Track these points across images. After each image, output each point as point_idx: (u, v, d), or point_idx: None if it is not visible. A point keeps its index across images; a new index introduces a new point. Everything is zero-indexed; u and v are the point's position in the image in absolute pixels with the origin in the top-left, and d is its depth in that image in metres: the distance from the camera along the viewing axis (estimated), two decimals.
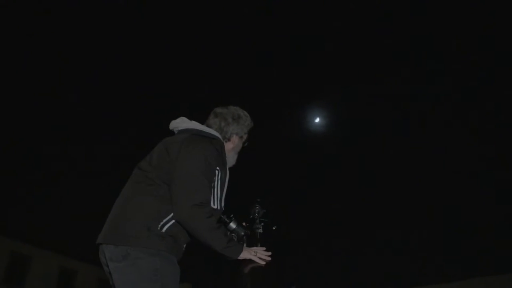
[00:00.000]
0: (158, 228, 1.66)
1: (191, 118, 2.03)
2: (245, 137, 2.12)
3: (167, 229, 1.69)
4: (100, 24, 15.88)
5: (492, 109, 15.96)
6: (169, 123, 2.05)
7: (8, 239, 13.49)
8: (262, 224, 2.03)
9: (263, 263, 1.78)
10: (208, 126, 2.02)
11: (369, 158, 18.90)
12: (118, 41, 16.37)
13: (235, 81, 17.61)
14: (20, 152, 17.39)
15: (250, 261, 1.83)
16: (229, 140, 2.04)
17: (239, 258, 1.79)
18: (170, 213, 1.70)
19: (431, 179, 18.12)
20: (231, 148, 2.06)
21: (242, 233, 1.96)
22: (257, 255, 1.82)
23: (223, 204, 1.89)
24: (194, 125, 1.99)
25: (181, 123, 2.01)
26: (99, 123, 18.19)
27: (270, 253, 1.85)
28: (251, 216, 2.10)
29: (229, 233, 1.97)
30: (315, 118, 18.01)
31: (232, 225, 1.96)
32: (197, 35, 16.72)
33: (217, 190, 1.82)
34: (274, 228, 2.01)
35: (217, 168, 1.83)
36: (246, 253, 1.80)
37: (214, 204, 1.79)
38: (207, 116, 2.10)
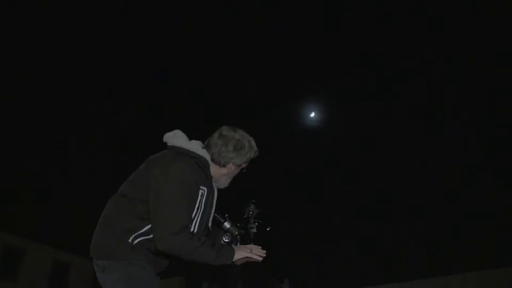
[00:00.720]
0: (129, 241, 1.78)
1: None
2: (244, 165, 2.06)
3: (139, 242, 1.79)
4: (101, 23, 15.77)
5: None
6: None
7: (2, 232, 13.45)
8: (256, 224, 2.04)
9: (260, 259, 1.80)
10: (209, 144, 1.98)
11: (366, 153, 18.97)
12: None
13: (229, 75, 17.56)
14: (13, 145, 17.28)
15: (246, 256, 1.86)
16: (224, 166, 1.98)
17: (234, 259, 1.80)
18: (144, 227, 1.79)
19: (429, 175, 18.24)
20: (225, 174, 2.01)
21: (236, 233, 1.98)
22: (253, 251, 1.83)
23: (210, 224, 1.96)
24: (182, 142, 1.94)
25: (171, 139, 1.98)
26: (94, 118, 18.12)
27: (265, 251, 1.86)
28: (245, 216, 2.11)
29: (223, 233, 1.98)
30: (310, 113, 18.04)
31: (227, 224, 1.98)
32: (192, 25, 16.63)
33: (199, 212, 1.83)
34: (268, 229, 2.02)
35: (202, 188, 1.84)
36: (242, 252, 1.82)
37: (193, 228, 1.81)
38: (216, 129, 2.03)
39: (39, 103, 16.61)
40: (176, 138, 1.96)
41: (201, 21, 16.54)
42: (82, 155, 18.54)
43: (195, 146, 1.94)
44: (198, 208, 1.82)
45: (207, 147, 1.97)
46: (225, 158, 1.95)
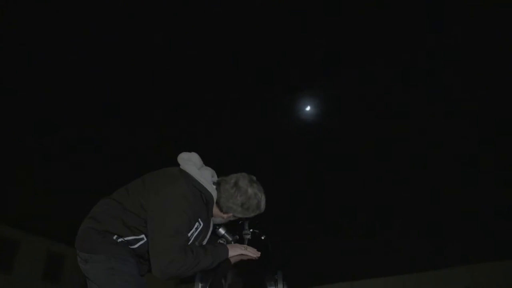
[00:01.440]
0: (114, 238, 1.83)
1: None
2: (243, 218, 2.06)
3: (122, 240, 1.84)
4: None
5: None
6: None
7: None
8: (251, 230, 2.04)
9: (254, 256, 1.81)
10: (220, 184, 1.94)
11: (361, 146, 19.02)
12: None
13: (223, 68, 17.47)
14: (7, 136, 17.17)
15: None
16: (225, 213, 1.97)
17: (229, 255, 1.83)
18: (130, 237, 1.84)
19: (426, 167, 18.32)
20: (223, 217, 2.01)
21: (231, 239, 1.98)
22: (248, 249, 1.87)
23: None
24: (195, 172, 1.91)
25: (185, 163, 1.95)
26: (95, 107, 18.01)
27: (259, 254, 1.88)
28: (240, 222, 2.11)
29: (217, 238, 1.99)
30: (306, 107, 18.01)
31: (221, 230, 1.98)
32: (190, 21, 16.50)
33: (190, 239, 1.85)
34: (263, 238, 2.03)
35: (199, 221, 1.85)
36: (237, 249, 1.85)
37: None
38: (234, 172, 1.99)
39: (38, 99, 16.50)
40: (190, 164, 1.93)
41: (196, 15, 16.41)
42: (78, 147, 18.46)
43: (206, 179, 1.91)
44: (189, 237, 1.85)
45: (217, 185, 1.94)
46: (229, 208, 1.92)
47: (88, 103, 17.18)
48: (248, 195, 1.90)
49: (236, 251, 1.84)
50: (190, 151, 1.98)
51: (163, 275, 1.71)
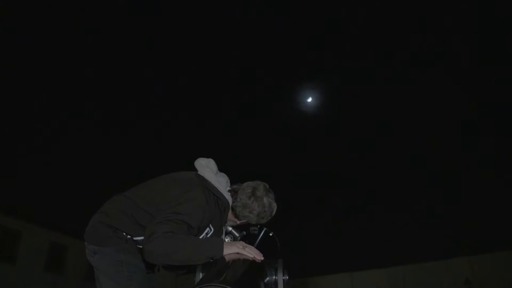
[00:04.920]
0: (124, 234, 1.86)
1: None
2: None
3: (132, 238, 1.86)
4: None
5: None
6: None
7: None
8: (258, 226, 2.04)
9: (251, 256, 1.63)
10: (237, 192, 1.97)
11: (362, 137, 19.01)
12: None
13: (227, 60, 17.39)
14: (9, 127, 17.15)
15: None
16: (239, 219, 2.02)
17: (224, 253, 1.64)
18: (138, 236, 1.84)
19: (426, 159, 18.32)
20: (236, 222, 2.05)
21: (238, 235, 1.98)
22: (246, 249, 1.66)
23: None
24: (212, 177, 1.92)
25: (203, 169, 1.95)
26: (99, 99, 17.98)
27: (261, 255, 1.67)
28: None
29: (224, 234, 1.99)
30: (307, 98, 17.97)
31: (229, 227, 1.98)
32: (194, 16, 16.40)
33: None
34: (271, 234, 2.02)
35: (210, 226, 1.86)
36: (233, 247, 1.66)
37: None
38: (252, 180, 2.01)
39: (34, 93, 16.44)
40: (207, 170, 1.94)
41: (201, 9, 16.31)
42: (80, 138, 18.46)
43: (223, 185, 1.94)
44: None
45: (233, 193, 1.97)
46: (245, 216, 1.98)
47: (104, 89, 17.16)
48: (264, 204, 1.95)
49: (231, 249, 1.64)
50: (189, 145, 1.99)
51: (148, 245, 1.60)
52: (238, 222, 2.02)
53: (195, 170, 1.98)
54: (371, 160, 19.26)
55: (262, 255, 1.64)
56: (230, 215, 1.99)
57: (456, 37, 15.42)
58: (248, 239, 1.98)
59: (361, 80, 17.74)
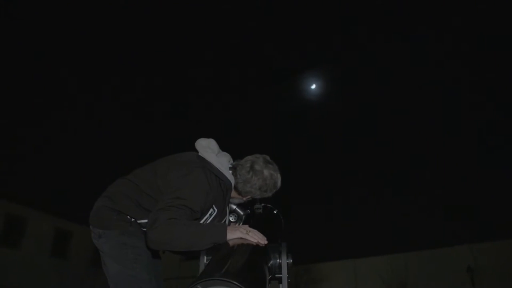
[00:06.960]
0: (128, 217, 1.86)
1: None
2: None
3: (134, 221, 1.87)
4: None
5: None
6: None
7: (4, 201, 13.56)
8: (262, 204, 2.03)
9: (255, 242, 1.57)
10: (236, 170, 1.92)
11: (367, 124, 18.94)
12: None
13: (231, 47, 17.28)
14: (15, 114, 17.19)
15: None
16: (242, 196, 1.98)
17: (228, 238, 1.60)
18: (141, 219, 1.85)
19: (428, 147, 18.27)
20: (240, 199, 2.02)
21: (242, 213, 1.97)
22: (250, 234, 1.59)
23: None
24: (213, 158, 1.89)
25: (204, 150, 1.92)
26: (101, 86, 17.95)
27: (265, 239, 1.61)
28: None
29: (229, 213, 1.99)
30: (311, 85, 17.88)
31: (233, 205, 1.97)
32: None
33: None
34: (275, 212, 2.02)
35: (213, 207, 1.84)
36: (237, 232, 1.60)
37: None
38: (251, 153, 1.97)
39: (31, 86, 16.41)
40: (208, 152, 1.92)
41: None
42: (85, 125, 18.49)
43: (224, 165, 1.90)
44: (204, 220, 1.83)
45: (233, 170, 1.94)
46: (248, 192, 1.93)
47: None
48: (264, 177, 1.90)
49: (235, 234, 1.59)
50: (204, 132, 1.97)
51: (151, 233, 1.59)
52: (243, 199, 1.98)
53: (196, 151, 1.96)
54: (374, 148, 19.23)
55: (265, 239, 1.59)
56: (233, 193, 1.96)
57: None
58: (253, 217, 1.98)
59: (367, 67, 17.62)
